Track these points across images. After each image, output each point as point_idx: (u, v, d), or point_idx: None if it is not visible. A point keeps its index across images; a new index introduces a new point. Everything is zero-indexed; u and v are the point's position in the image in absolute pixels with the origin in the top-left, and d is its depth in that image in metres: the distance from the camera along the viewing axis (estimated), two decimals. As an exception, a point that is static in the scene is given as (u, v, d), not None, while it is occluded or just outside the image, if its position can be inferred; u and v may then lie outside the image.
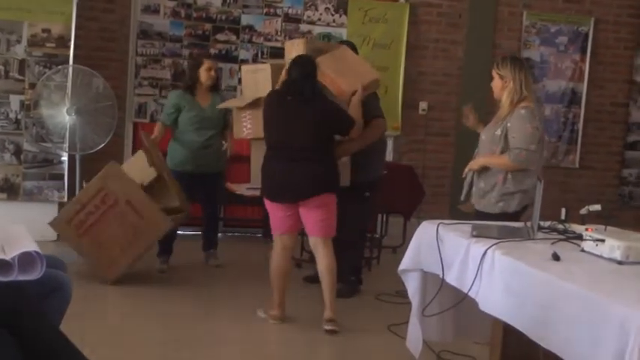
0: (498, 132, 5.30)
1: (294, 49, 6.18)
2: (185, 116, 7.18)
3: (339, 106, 5.77)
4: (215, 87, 7.38)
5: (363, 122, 6.28)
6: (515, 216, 5.22)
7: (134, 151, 8.95)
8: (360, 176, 6.42)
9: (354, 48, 6.79)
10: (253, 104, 6.15)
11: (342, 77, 6.06)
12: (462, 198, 5.57)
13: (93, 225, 6.54)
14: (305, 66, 5.67)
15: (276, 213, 5.72)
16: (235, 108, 6.46)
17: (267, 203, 5.75)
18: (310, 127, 5.53)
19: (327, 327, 5.64)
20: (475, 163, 5.45)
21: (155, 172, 6.88)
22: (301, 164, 5.53)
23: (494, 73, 5.41)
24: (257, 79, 6.22)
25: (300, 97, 5.57)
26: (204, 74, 7.20)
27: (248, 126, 6.24)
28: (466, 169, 5.53)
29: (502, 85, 5.35)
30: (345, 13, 9.37)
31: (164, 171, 6.92)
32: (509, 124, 5.25)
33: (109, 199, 6.50)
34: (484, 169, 5.39)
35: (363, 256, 7.20)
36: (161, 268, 7.23)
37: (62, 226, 6.69)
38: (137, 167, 6.90)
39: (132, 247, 6.59)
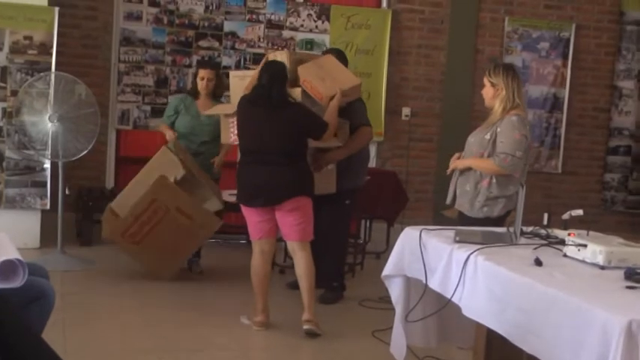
0: (487, 136, 5.30)
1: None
2: (180, 120, 7.24)
3: (311, 110, 5.79)
4: (216, 95, 7.36)
5: (348, 129, 6.31)
6: (498, 221, 5.24)
7: (117, 158, 8.94)
8: (341, 183, 6.44)
9: (342, 55, 6.81)
10: None
11: (321, 82, 6.07)
12: (448, 202, 5.57)
13: (148, 233, 6.84)
14: (274, 71, 5.70)
15: (252, 218, 5.74)
16: (222, 115, 6.47)
17: (243, 208, 5.77)
18: (280, 131, 5.55)
19: (306, 327, 5.64)
20: (461, 163, 5.45)
21: (183, 170, 6.96)
22: (273, 168, 5.54)
23: (485, 81, 5.41)
24: (244, 85, 6.21)
25: (269, 101, 5.59)
26: (199, 83, 7.23)
27: (235, 131, 6.24)
28: (450, 167, 5.53)
29: (494, 93, 5.35)
30: (328, 19, 9.37)
31: (195, 170, 7.05)
32: (498, 129, 5.26)
33: (161, 209, 6.81)
34: (468, 171, 5.39)
35: (344, 262, 7.18)
36: (195, 269, 7.50)
37: (116, 238, 6.96)
38: (163, 163, 7.00)
39: (186, 247, 7.08)
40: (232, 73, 6.68)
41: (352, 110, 6.38)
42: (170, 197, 6.80)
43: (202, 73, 7.25)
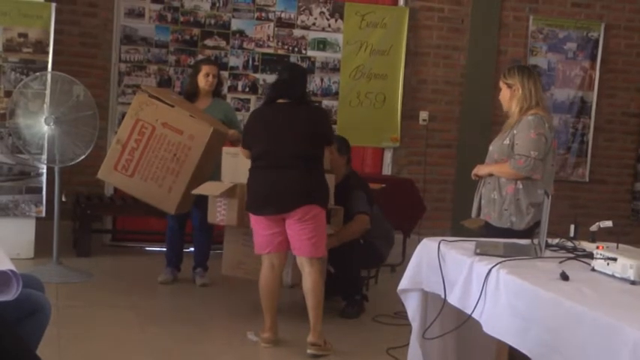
0: (506, 141, 5.31)
1: None
2: None
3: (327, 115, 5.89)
4: (216, 92, 7.45)
5: (342, 216, 6.49)
6: (527, 232, 5.21)
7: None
8: None
9: (346, 144, 6.87)
10: (229, 192, 6.20)
11: None
12: (473, 215, 5.55)
13: (139, 160, 6.82)
14: (296, 69, 5.91)
15: (260, 229, 5.69)
16: (210, 195, 6.44)
17: (252, 219, 5.73)
18: (299, 130, 5.57)
19: (309, 351, 5.60)
20: (482, 169, 5.47)
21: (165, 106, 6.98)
22: (287, 172, 5.53)
23: (501, 84, 5.45)
24: (237, 163, 6.22)
25: (292, 94, 5.65)
26: (202, 80, 7.27)
27: (222, 212, 6.29)
28: (473, 173, 5.56)
29: (510, 95, 5.37)
30: (341, 17, 9.38)
31: (178, 103, 7.04)
32: (515, 132, 5.27)
33: (146, 128, 6.80)
34: (492, 179, 5.38)
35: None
36: (199, 280, 7.43)
37: (110, 173, 6.96)
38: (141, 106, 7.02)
39: (183, 167, 6.82)
40: (225, 149, 6.62)
41: (352, 197, 6.57)
42: (153, 113, 6.82)
43: (207, 69, 7.30)
